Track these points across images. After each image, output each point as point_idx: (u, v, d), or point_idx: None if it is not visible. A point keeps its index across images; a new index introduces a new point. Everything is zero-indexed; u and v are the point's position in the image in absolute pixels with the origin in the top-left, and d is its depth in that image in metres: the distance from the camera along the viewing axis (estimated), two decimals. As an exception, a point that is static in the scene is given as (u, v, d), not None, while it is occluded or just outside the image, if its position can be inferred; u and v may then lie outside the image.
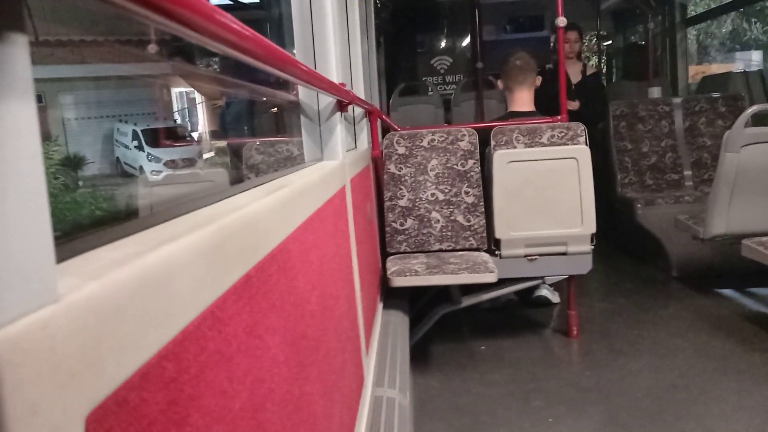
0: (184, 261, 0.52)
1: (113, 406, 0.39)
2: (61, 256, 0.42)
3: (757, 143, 2.80)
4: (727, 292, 3.41)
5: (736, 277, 3.46)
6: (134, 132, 5.70)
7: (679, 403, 2.22)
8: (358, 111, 2.52)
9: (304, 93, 1.62)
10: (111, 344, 0.39)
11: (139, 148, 5.63)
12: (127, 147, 5.75)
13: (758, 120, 3.17)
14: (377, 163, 2.84)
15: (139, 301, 0.43)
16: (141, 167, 5.52)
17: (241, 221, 0.69)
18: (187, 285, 0.52)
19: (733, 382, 2.35)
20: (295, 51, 1.59)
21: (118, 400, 0.39)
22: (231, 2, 4.61)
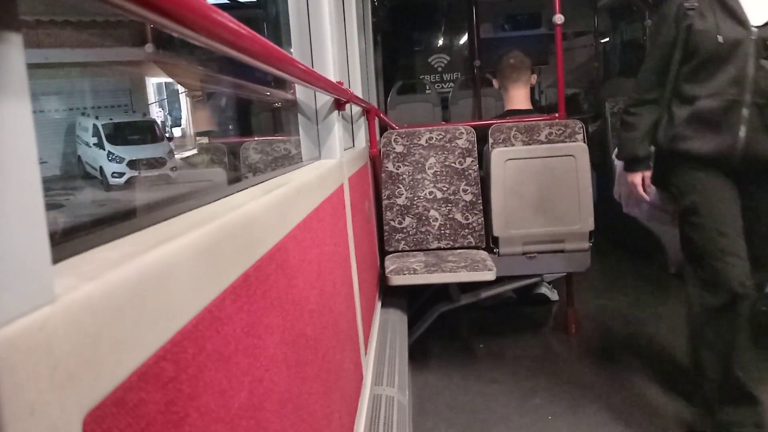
0: (182, 260, 0.52)
1: (111, 406, 0.38)
2: (58, 257, 0.42)
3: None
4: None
5: None
6: (95, 127, 4.97)
7: (677, 401, 2.22)
8: (356, 109, 2.52)
9: (301, 91, 1.62)
10: (108, 344, 0.39)
11: (99, 145, 4.88)
12: (87, 144, 5.03)
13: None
14: (375, 162, 2.84)
15: (136, 301, 0.43)
16: (101, 168, 4.80)
17: (239, 220, 0.69)
18: (185, 284, 0.52)
19: (732, 379, 2.35)
20: (292, 50, 1.59)
21: (116, 400, 0.39)
22: (228, 1, 4.60)
